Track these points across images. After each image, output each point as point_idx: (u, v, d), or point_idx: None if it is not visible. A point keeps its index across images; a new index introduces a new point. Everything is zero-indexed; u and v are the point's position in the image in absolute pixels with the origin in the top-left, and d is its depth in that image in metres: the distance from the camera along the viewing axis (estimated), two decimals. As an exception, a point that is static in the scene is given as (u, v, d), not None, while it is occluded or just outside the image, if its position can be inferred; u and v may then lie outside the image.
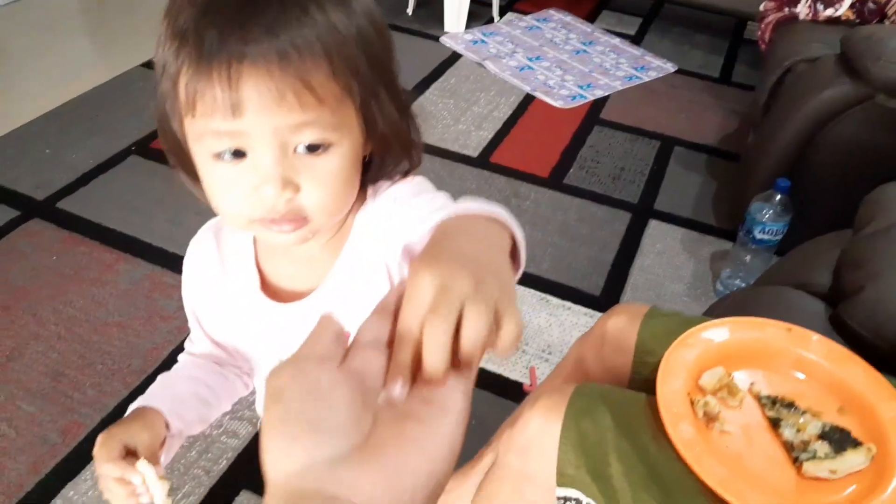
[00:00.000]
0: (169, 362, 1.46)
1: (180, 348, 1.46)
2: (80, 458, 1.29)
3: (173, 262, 1.71)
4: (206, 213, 2.02)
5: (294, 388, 0.32)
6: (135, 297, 1.61)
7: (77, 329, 1.53)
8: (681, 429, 0.72)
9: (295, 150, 0.54)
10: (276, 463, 0.30)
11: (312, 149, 0.55)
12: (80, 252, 1.72)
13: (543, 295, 1.71)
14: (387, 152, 0.63)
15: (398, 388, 0.33)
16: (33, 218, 1.80)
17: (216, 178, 0.56)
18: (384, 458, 0.31)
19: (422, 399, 0.33)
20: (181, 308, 1.64)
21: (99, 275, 1.66)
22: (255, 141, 0.53)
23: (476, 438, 1.10)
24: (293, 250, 0.66)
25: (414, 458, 0.31)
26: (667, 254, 1.89)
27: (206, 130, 0.54)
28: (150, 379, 1.42)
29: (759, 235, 1.63)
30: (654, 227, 1.98)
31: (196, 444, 1.32)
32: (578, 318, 1.66)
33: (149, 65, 2.49)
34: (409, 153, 0.64)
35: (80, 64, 2.55)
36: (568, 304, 1.70)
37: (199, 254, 0.75)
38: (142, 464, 0.62)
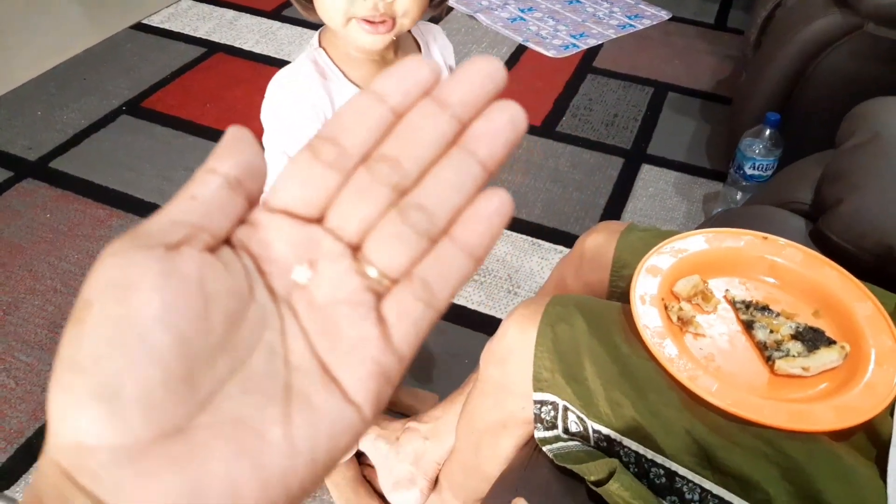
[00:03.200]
0: (164, 312, 1.48)
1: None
2: (78, 404, 1.31)
3: (166, 217, 1.72)
4: (195, 168, 2.09)
5: (106, 303, 0.21)
6: (129, 250, 1.63)
7: (73, 283, 1.54)
8: (653, 329, 0.72)
9: None
10: (51, 420, 0.21)
11: None
12: (74, 209, 1.73)
13: (535, 240, 1.72)
14: None
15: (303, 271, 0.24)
16: (26, 178, 1.81)
17: None
18: (196, 468, 0.20)
19: (321, 370, 0.23)
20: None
21: (93, 230, 1.67)
22: None
23: (466, 377, 1.11)
24: (374, 63, 0.81)
25: (245, 479, 0.21)
26: (659, 196, 1.89)
27: None
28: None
29: (749, 171, 1.62)
30: (647, 172, 1.97)
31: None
32: (556, 258, 1.66)
33: (138, 27, 2.49)
34: None
35: (70, 27, 2.54)
36: (560, 247, 1.70)
37: (305, 85, 0.80)
38: None
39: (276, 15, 2.59)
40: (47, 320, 1.46)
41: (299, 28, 2.51)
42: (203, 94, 2.17)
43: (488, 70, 0.23)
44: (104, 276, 0.21)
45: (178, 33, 2.46)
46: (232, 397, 0.22)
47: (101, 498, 0.20)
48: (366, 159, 0.24)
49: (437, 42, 0.92)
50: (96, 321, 0.21)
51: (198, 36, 2.44)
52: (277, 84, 0.83)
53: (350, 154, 0.23)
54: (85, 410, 0.20)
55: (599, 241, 0.90)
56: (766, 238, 0.84)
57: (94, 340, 0.20)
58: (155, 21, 2.52)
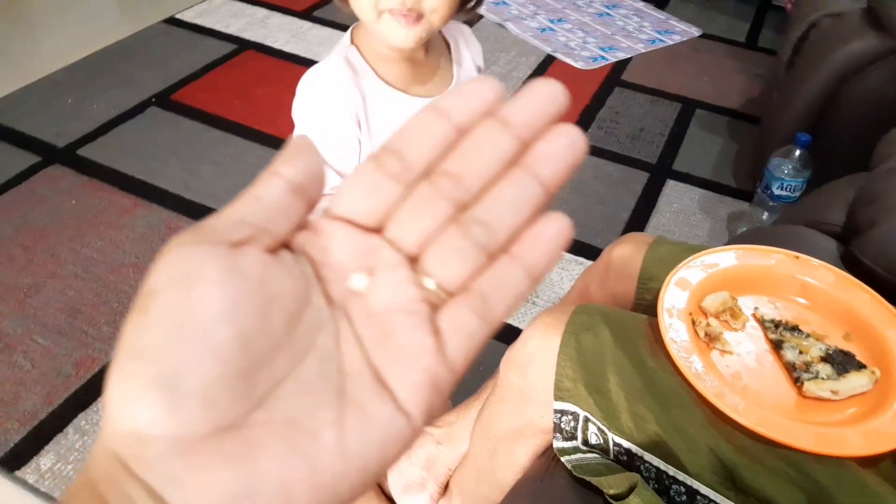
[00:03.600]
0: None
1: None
2: (92, 390, 1.32)
3: (189, 209, 1.73)
4: (220, 163, 2.08)
5: (170, 295, 0.21)
6: (151, 240, 1.63)
7: (94, 269, 1.55)
8: (679, 343, 0.71)
9: None
10: (110, 407, 0.21)
11: None
12: (99, 197, 1.74)
13: (556, 249, 1.70)
14: None
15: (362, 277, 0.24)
16: (54, 164, 1.83)
17: None
18: (249, 465, 0.20)
19: (374, 377, 0.23)
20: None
21: (117, 219, 1.68)
22: None
23: (481, 384, 1.10)
24: (406, 62, 0.82)
25: (297, 480, 0.21)
26: (683, 213, 1.87)
27: None
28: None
29: (777, 192, 1.61)
30: (672, 187, 1.96)
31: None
32: (580, 269, 1.64)
33: (170, 21, 2.51)
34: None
35: (102, 18, 2.57)
36: (580, 259, 1.69)
37: (342, 72, 0.80)
38: None
39: (307, 15, 2.61)
40: (67, 305, 1.47)
41: (329, 29, 2.53)
42: (232, 90, 2.18)
43: (551, 93, 0.24)
44: (169, 268, 0.21)
45: (210, 29, 2.48)
46: (287, 398, 0.22)
47: (154, 488, 0.20)
48: (428, 174, 0.24)
49: (468, 43, 0.92)
50: (160, 312, 0.21)
51: (229, 33, 2.46)
52: (309, 83, 0.83)
53: (413, 168, 0.24)
54: (145, 399, 0.20)
55: (627, 253, 0.89)
56: (797, 258, 0.83)
57: (156, 331, 0.20)
58: (187, 16, 2.55)
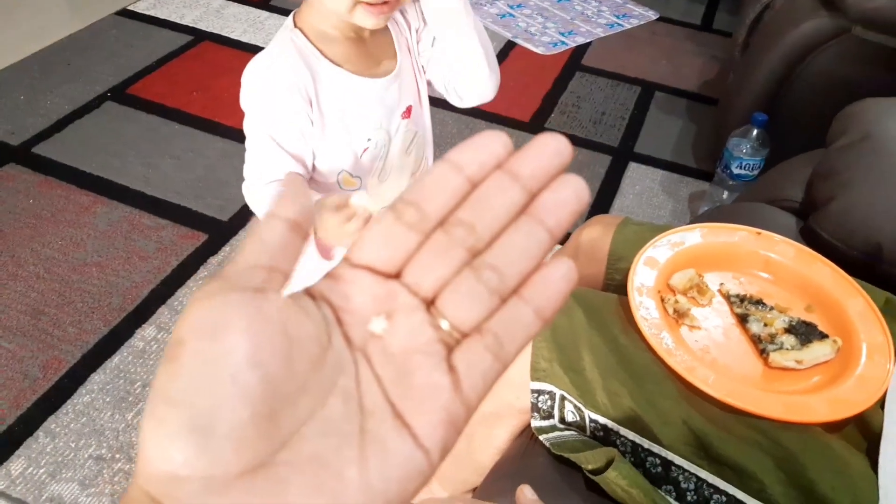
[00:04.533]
0: (149, 300, 1.47)
1: (159, 287, 1.47)
2: (61, 392, 1.29)
3: (150, 205, 1.70)
4: (180, 157, 2.05)
5: (199, 344, 0.22)
6: (113, 237, 1.60)
7: (56, 269, 1.52)
8: (650, 321, 0.73)
9: None
10: (144, 451, 0.22)
11: None
12: (57, 195, 1.70)
13: (524, 234, 1.72)
14: None
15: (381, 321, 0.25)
16: (9, 163, 1.78)
17: None
18: (278, 502, 0.22)
19: (394, 416, 0.24)
20: (160, 248, 1.63)
21: (76, 217, 1.65)
22: None
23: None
24: (350, 40, 0.83)
25: None
26: (646, 194, 1.90)
27: None
28: (131, 316, 1.44)
29: (736, 170, 1.64)
30: (634, 170, 1.99)
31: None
32: (550, 253, 1.67)
33: (123, 13, 2.45)
34: None
35: (52, 12, 2.49)
36: (548, 242, 1.71)
37: (290, 58, 0.80)
38: (357, 195, 0.74)
39: (263, 4, 2.57)
40: (29, 307, 1.44)
41: (286, 17, 2.49)
42: (189, 82, 2.14)
43: (556, 147, 0.25)
44: (197, 317, 0.23)
45: (165, 20, 2.43)
46: (311, 437, 0.23)
47: None
48: (443, 223, 0.26)
49: (404, 9, 0.92)
50: (190, 359, 0.22)
51: (184, 24, 2.42)
52: (257, 69, 0.83)
53: (429, 217, 0.25)
54: (178, 442, 0.21)
55: (595, 235, 0.90)
56: (759, 234, 0.85)
57: (187, 377, 0.22)
58: (140, 7, 2.49)
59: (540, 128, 2.11)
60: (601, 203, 1.85)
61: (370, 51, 0.86)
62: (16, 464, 1.18)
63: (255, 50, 2.29)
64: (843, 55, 1.58)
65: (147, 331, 1.41)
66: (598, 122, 2.17)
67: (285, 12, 2.53)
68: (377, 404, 0.24)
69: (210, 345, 0.22)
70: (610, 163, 2.00)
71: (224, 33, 2.39)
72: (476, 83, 0.93)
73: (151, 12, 2.47)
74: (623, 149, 2.07)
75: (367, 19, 0.77)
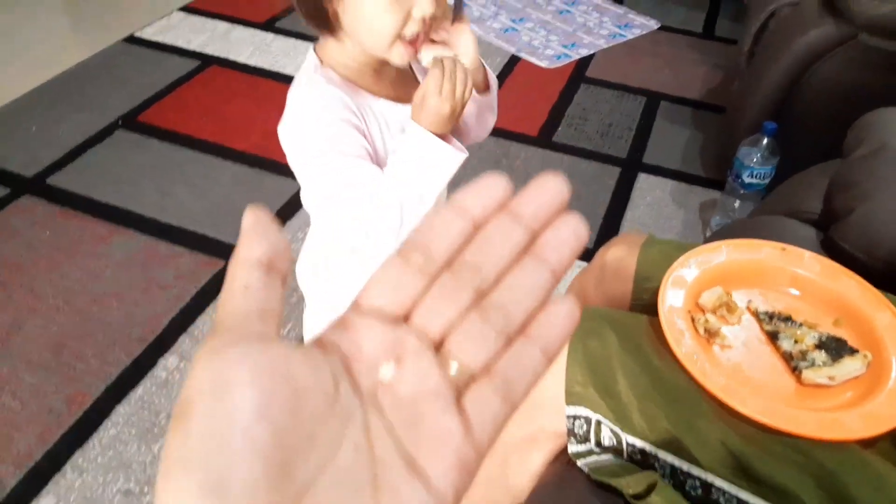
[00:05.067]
0: (170, 329, 1.48)
1: (179, 316, 1.48)
2: (86, 426, 1.30)
3: (167, 233, 1.71)
4: (195, 183, 2.07)
5: (206, 402, 0.22)
6: (131, 267, 1.61)
7: (75, 301, 1.53)
8: (683, 343, 0.73)
9: None
10: None
11: None
12: (74, 226, 1.71)
13: (538, 249, 1.73)
14: None
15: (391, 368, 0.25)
16: (24, 195, 1.80)
17: (383, 5, 0.72)
18: None
19: (406, 462, 0.24)
20: (178, 276, 1.64)
21: (94, 248, 1.66)
22: None
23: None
24: (374, 71, 0.83)
25: None
26: (656, 205, 1.91)
27: None
28: (152, 346, 1.44)
29: (747, 180, 1.65)
30: (643, 181, 1.99)
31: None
32: (574, 271, 1.67)
33: (130, 39, 2.47)
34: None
35: (61, 41, 2.52)
36: (562, 256, 1.71)
37: (341, 97, 0.80)
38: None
39: (269, 26, 2.59)
40: (51, 340, 1.44)
41: (293, 39, 2.52)
42: (199, 107, 2.16)
43: (555, 187, 0.26)
44: (202, 374, 0.23)
45: (172, 46, 2.45)
46: (325, 489, 0.23)
47: None
48: (450, 265, 0.26)
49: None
50: (199, 418, 0.22)
51: (191, 49, 2.44)
52: (301, 103, 0.82)
53: (436, 260, 0.26)
54: None
55: (620, 255, 0.91)
56: (785, 249, 0.86)
57: (198, 437, 0.22)
58: (147, 34, 2.51)
59: (548, 141, 2.13)
60: (613, 215, 1.86)
61: (396, 79, 0.87)
62: (45, 500, 1.19)
63: (262, 73, 2.33)
64: (850, 62, 1.59)
65: (169, 360, 1.42)
66: (605, 133, 2.18)
67: (291, 34, 2.56)
68: (388, 452, 0.24)
69: (218, 402, 0.22)
70: (619, 174, 2.01)
71: (231, 57, 2.41)
72: (481, 129, 0.95)
73: (158, 38, 2.49)
74: (631, 160, 2.07)
75: (402, 57, 0.78)
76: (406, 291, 0.26)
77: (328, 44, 0.82)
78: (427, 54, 0.76)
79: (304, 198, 0.90)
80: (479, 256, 0.26)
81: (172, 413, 0.23)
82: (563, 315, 0.26)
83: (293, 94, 0.83)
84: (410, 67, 0.91)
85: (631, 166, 2.05)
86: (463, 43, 0.82)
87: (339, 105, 0.78)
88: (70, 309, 1.51)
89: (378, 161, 0.81)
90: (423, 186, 0.77)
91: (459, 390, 0.25)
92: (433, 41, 0.80)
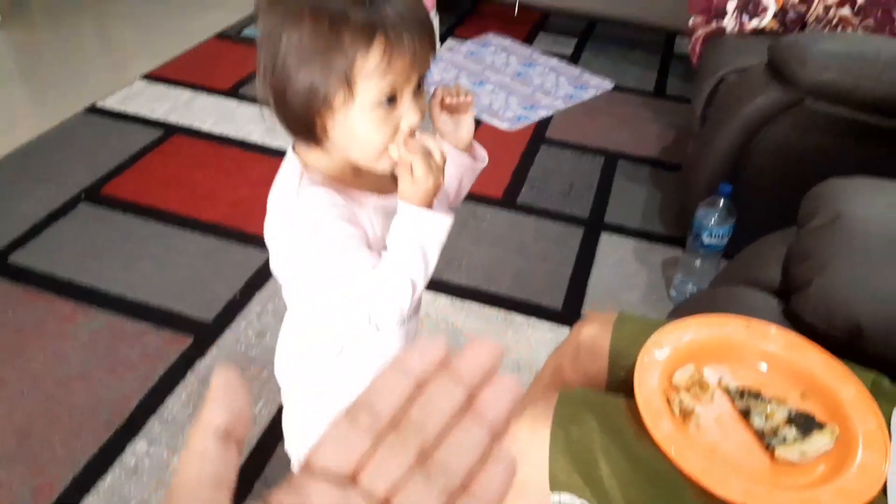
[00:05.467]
0: (138, 412, 1.44)
1: (148, 397, 1.46)
2: (54, 518, 1.26)
3: (132, 310, 1.69)
4: (160, 256, 2.06)
5: None
6: (97, 348, 1.59)
7: (40, 385, 1.49)
8: (661, 426, 0.75)
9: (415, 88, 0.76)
10: None
11: (419, 86, 0.76)
12: (37, 306, 1.68)
13: (508, 314, 1.75)
14: None
15: None
16: (-17, 274, 1.76)
17: (374, 122, 0.74)
18: None
19: None
20: (145, 356, 1.61)
21: (58, 328, 1.63)
22: (408, 88, 0.74)
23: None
24: (352, 168, 0.83)
25: None
26: (621, 264, 1.96)
27: (385, 86, 0.72)
28: (120, 431, 1.41)
29: (706, 240, 1.71)
30: (606, 240, 2.04)
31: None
32: (544, 334, 1.70)
33: (92, 109, 2.47)
34: None
35: (20, 113, 2.50)
36: (532, 320, 1.74)
37: (330, 197, 0.81)
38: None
39: (232, 93, 2.62)
40: (16, 428, 1.40)
41: (257, 106, 2.53)
42: (163, 177, 2.16)
43: (490, 350, 0.29)
44: None
45: (134, 116, 2.45)
46: None
47: None
48: (395, 424, 0.28)
49: None
50: None
51: (154, 118, 2.44)
52: (292, 210, 0.80)
53: (382, 419, 0.28)
54: None
55: (594, 333, 0.93)
56: (749, 324, 0.89)
57: None
58: (109, 104, 2.51)
59: (513, 203, 2.17)
60: (580, 276, 1.89)
61: (374, 173, 0.88)
62: None
63: (227, 141, 2.34)
64: (797, 125, 1.68)
65: (138, 445, 1.38)
66: (566, 193, 2.24)
67: (255, 101, 2.57)
68: None
69: None
70: (583, 234, 2.06)
71: (195, 126, 2.42)
72: (462, 194, 0.99)
73: (121, 108, 2.49)
74: (594, 219, 2.13)
75: (388, 164, 0.79)
76: (354, 451, 0.27)
77: (309, 150, 0.82)
78: (393, 147, 0.77)
79: (290, 291, 0.91)
80: (423, 415, 0.28)
81: None
82: (501, 474, 0.28)
83: (282, 200, 0.83)
84: None
85: (594, 226, 2.10)
86: (464, 125, 0.88)
87: (330, 205, 0.79)
88: (35, 393, 1.47)
89: (372, 249, 0.82)
90: (427, 256, 0.80)
91: None
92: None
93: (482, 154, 0.94)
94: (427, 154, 0.76)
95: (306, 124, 0.76)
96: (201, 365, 1.56)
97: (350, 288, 0.80)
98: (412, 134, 0.77)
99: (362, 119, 0.74)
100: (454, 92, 0.86)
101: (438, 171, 0.77)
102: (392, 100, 0.74)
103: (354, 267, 0.79)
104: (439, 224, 0.80)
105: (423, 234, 0.80)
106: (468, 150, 0.92)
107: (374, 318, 0.82)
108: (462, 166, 0.92)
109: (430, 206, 0.80)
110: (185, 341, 1.61)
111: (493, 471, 0.28)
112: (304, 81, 0.72)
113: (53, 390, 1.48)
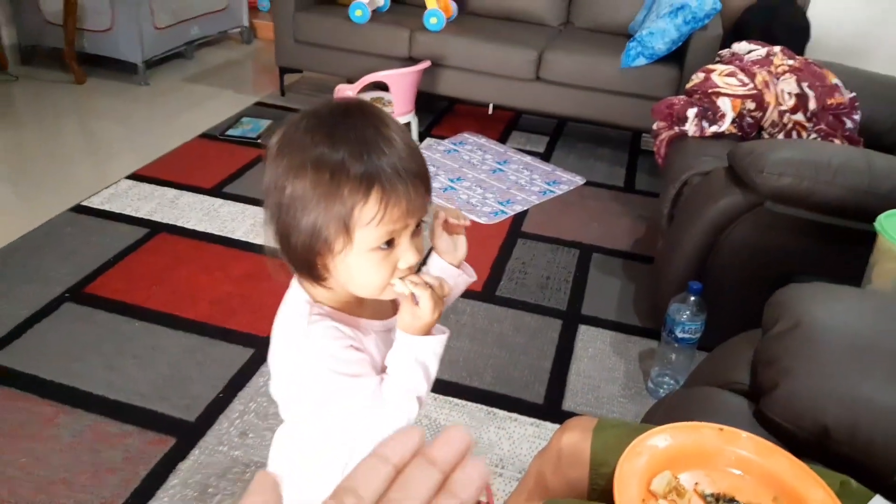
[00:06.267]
0: (120, 517, 1.43)
1: (131, 500, 1.44)
2: None
3: (115, 410, 1.69)
4: (143, 355, 2.10)
5: None
6: (78, 450, 1.58)
7: (20, 490, 1.47)
8: (641, 535, 0.79)
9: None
10: None
11: (417, 224, 0.80)
12: (18, 408, 1.67)
13: (490, 409, 1.78)
14: None
15: None
16: (-35, 376, 1.76)
17: (373, 263, 0.80)
18: None
19: None
20: (127, 458, 1.62)
21: (39, 430, 1.62)
22: (405, 232, 0.79)
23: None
24: (357, 297, 0.88)
25: None
26: (599, 357, 2.01)
27: (383, 232, 0.77)
28: (103, 537, 1.39)
29: (680, 335, 1.77)
30: (584, 332, 2.10)
31: None
32: (525, 429, 1.72)
33: (77, 209, 2.52)
34: None
35: (5, 212, 2.54)
36: (514, 415, 1.77)
37: (338, 329, 0.85)
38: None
39: (216, 192, 2.69)
40: (-8, 537, 1.38)
41: (241, 204, 2.61)
42: (148, 275, 2.19)
43: (461, 437, 0.34)
44: None
45: (119, 214, 2.50)
46: None
47: None
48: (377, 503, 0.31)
49: None
50: None
51: (139, 216, 2.49)
52: (301, 342, 0.85)
53: (366, 501, 0.31)
54: None
55: (574, 440, 0.97)
56: (722, 430, 0.94)
57: None
58: (95, 202, 2.56)
59: (493, 296, 2.23)
60: (559, 369, 1.94)
61: (376, 301, 0.91)
62: None
63: (211, 238, 2.40)
64: (759, 225, 1.78)
65: (120, 553, 1.37)
66: (544, 286, 2.31)
67: (239, 198, 2.65)
68: None
69: None
70: (561, 327, 2.12)
71: (180, 223, 2.47)
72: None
73: (106, 206, 2.54)
74: (571, 312, 2.19)
75: (391, 295, 0.84)
76: None
77: (316, 286, 0.85)
78: (400, 286, 0.82)
79: (289, 410, 0.95)
80: (402, 495, 0.31)
81: None
82: None
83: (290, 332, 0.87)
84: None
85: (571, 318, 2.16)
86: (460, 246, 0.96)
87: (339, 335, 0.83)
88: (15, 499, 1.45)
89: (377, 371, 0.87)
90: (428, 371, 0.86)
91: None
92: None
93: (471, 270, 1.00)
94: (432, 290, 0.82)
95: (309, 265, 0.81)
96: (183, 467, 1.55)
97: (361, 413, 0.84)
98: (412, 270, 0.82)
99: (361, 262, 0.79)
100: (455, 215, 0.93)
101: (441, 304, 0.83)
102: (390, 243, 0.79)
103: (366, 392, 0.84)
104: (438, 343, 0.86)
105: (423, 356, 0.85)
106: (460, 266, 0.98)
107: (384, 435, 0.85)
108: (455, 282, 0.98)
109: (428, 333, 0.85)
110: (168, 442, 1.61)
111: None
112: (306, 227, 0.77)
113: (33, 496, 1.46)
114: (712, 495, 0.87)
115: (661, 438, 0.93)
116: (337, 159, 0.75)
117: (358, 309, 0.88)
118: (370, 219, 0.76)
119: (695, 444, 0.93)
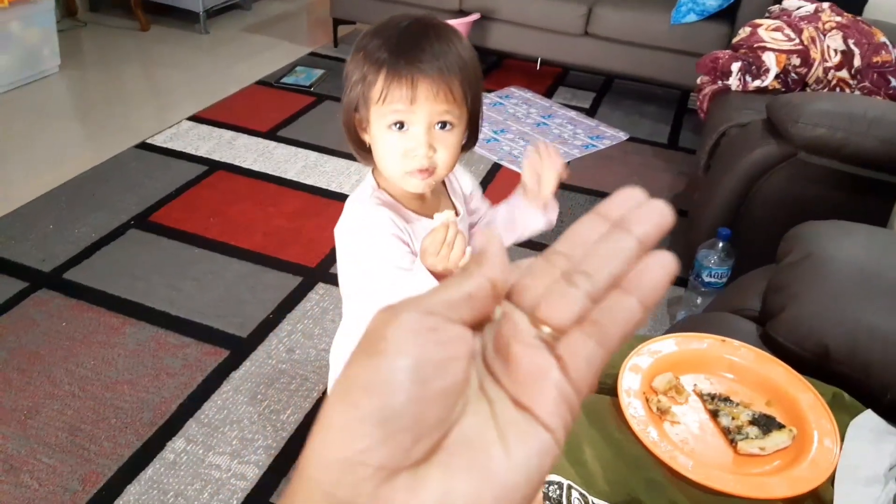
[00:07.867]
0: (178, 414, 1.59)
1: (188, 401, 1.60)
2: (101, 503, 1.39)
3: (175, 324, 1.84)
4: (201, 279, 2.31)
5: (406, 344, 0.24)
6: (142, 356, 1.74)
7: (90, 387, 1.64)
8: (639, 419, 0.88)
9: (434, 126, 0.91)
10: (327, 434, 0.24)
11: (444, 126, 0.92)
12: (88, 318, 1.84)
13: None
14: (471, 136, 1.00)
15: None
16: (41, 288, 1.93)
17: (388, 142, 0.92)
18: (442, 483, 0.24)
19: (514, 403, 0.26)
20: (185, 365, 1.77)
21: (107, 338, 1.79)
22: (416, 118, 0.90)
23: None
24: (418, 196, 1.00)
25: (482, 491, 0.24)
26: (628, 301, 2.08)
27: (388, 111, 0.90)
28: (161, 430, 1.55)
29: (706, 279, 1.83)
30: (616, 278, 2.17)
31: (207, 486, 1.44)
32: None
33: (142, 146, 2.68)
34: (476, 138, 1.03)
35: (76, 146, 2.72)
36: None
37: (385, 211, 0.97)
38: (439, 215, 0.89)
39: (271, 135, 2.82)
40: (67, 424, 1.55)
41: (294, 147, 2.73)
42: (206, 208, 2.34)
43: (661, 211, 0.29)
44: (407, 321, 0.25)
45: (181, 152, 2.65)
46: (459, 425, 0.25)
47: None
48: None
49: (458, 176, 1.12)
50: (392, 357, 0.24)
51: (199, 155, 2.64)
52: (356, 219, 0.99)
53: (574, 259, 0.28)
54: (366, 427, 0.23)
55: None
56: (724, 341, 1.02)
57: (387, 372, 0.24)
58: (158, 141, 2.72)
59: (532, 243, 2.31)
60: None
61: (433, 202, 1.03)
62: (286, 494, 1.25)
63: (265, 177, 2.54)
64: (792, 176, 1.81)
65: (177, 443, 1.52)
66: (580, 235, 2.37)
67: (292, 142, 2.78)
68: (496, 393, 0.26)
69: (416, 346, 0.24)
70: (593, 272, 2.19)
71: (237, 163, 2.61)
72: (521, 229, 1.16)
73: (169, 145, 2.70)
74: (604, 259, 2.26)
75: (415, 185, 0.95)
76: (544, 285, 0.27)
77: (380, 173, 0.99)
78: (439, 216, 0.91)
79: (344, 284, 1.08)
80: (596, 261, 0.27)
81: (359, 343, 0.25)
82: (657, 265, 0.26)
83: (352, 207, 1.01)
84: (448, 195, 1.09)
85: (604, 265, 2.22)
86: (544, 186, 1.08)
87: (387, 223, 0.95)
88: (85, 395, 1.62)
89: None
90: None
91: (552, 346, 0.26)
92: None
93: (552, 214, 1.12)
94: (444, 237, 0.88)
95: (356, 141, 0.96)
96: (236, 375, 1.70)
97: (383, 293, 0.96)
98: (427, 160, 0.92)
99: (379, 138, 0.93)
100: (548, 154, 1.05)
101: (446, 260, 0.88)
102: (401, 126, 0.91)
103: (390, 278, 0.95)
104: (425, 286, 0.97)
105: (421, 285, 0.95)
106: (544, 207, 1.08)
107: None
108: (525, 221, 1.10)
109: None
110: (222, 354, 1.75)
111: (648, 266, 0.26)
112: (348, 103, 0.94)
113: (101, 392, 1.63)
114: (709, 395, 0.95)
115: (666, 344, 1.01)
116: (372, 46, 0.89)
117: (416, 206, 0.99)
118: (377, 97, 0.89)
119: (697, 351, 1.01)
